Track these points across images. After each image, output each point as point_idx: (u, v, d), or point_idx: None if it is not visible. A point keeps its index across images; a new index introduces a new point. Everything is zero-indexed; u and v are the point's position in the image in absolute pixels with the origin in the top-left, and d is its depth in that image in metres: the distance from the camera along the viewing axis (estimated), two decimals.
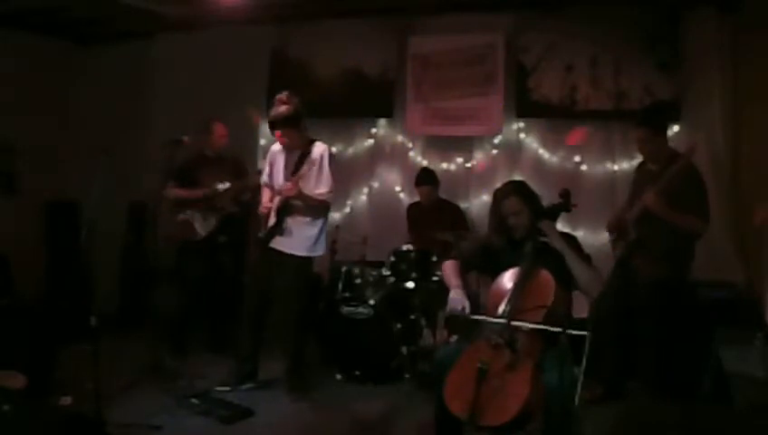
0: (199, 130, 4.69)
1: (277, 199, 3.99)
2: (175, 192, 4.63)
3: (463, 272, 3.10)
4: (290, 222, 3.96)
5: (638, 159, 4.73)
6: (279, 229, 3.96)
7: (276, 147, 4.12)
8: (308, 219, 3.96)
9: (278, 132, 3.94)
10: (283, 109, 3.90)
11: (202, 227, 4.63)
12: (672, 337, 3.71)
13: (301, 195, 3.85)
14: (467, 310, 2.88)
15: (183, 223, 4.65)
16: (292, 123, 3.91)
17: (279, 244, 3.98)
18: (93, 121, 6.09)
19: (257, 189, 4.40)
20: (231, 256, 4.88)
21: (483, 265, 3.14)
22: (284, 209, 3.95)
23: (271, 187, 4.12)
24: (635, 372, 3.89)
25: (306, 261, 4.01)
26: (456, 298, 2.93)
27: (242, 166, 4.86)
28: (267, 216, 4.02)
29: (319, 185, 3.92)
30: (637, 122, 3.88)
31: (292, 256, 3.95)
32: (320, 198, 3.92)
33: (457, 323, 3.02)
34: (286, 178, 3.97)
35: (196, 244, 4.64)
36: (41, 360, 3.72)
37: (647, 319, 3.72)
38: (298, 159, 3.97)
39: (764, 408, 3.43)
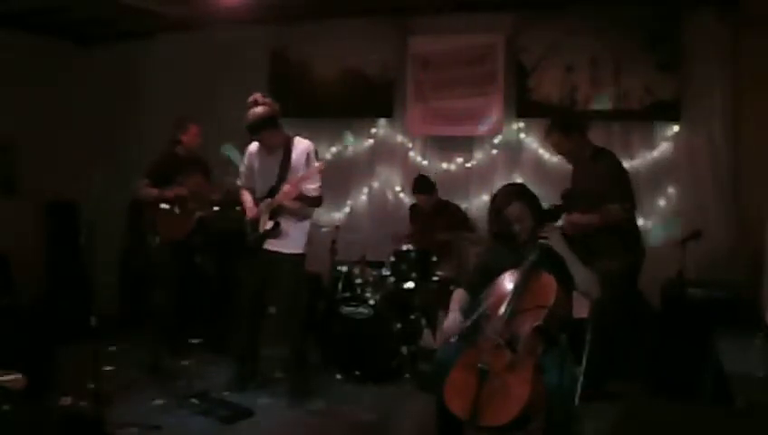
0: (176, 130, 4.67)
1: (268, 202, 3.93)
2: (147, 191, 4.57)
3: (469, 299, 3.09)
4: (283, 222, 3.93)
5: (639, 159, 4.78)
6: (276, 232, 3.90)
7: (254, 147, 4.05)
8: (299, 217, 3.95)
9: (255, 138, 3.90)
10: (259, 110, 3.83)
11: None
12: (673, 337, 3.71)
13: (300, 196, 3.85)
14: (463, 328, 2.86)
15: (161, 222, 4.61)
16: (271, 124, 3.87)
17: (273, 245, 3.94)
18: (93, 121, 6.09)
19: (231, 192, 4.38)
20: (208, 258, 4.87)
21: (487, 278, 3.10)
22: (278, 212, 3.91)
23: (251, 189, 4.07)
24: (618, 372, 3.91)
25: (302, 259, 4.00)
26: (446, 326, 2.93)
27: (208, 166, 4.82)
28: (256, 219, 3.97)
29: (308, 181, 3.88)
30: (545, 132, 4.04)
31: (289, 254, 3.93)
32: (313, 194, 3.90)
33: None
34: (273, 180, 3.92)
35: (172, 245, 4.60)
36: (41, 360, 3.71)
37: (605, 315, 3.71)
38: (282, 159, 3.92)
39: (764, 407, 3.43)
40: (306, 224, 4.01)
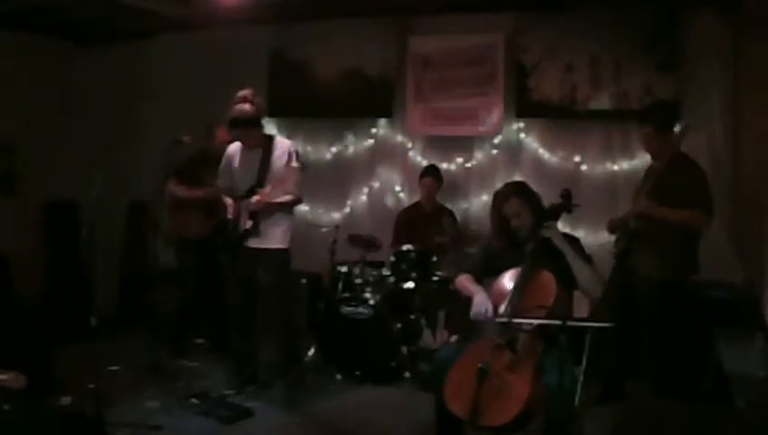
0: (202, 133, 4.70)
1: (246, 204, 3.91)
2: (176, 190, 4.61)
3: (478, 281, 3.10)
4: (269, 219, 3.90)
5: (639, 159, 4.77)
6: (255, 232, 3.90)
7: (234, 147, 4.03)
8: (283, 213, 3.93)
9: (236, 133, 3.88)
10: (246, 108, 3.81)
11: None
12: (673, 337, 3.71)
13: (270, 206, 3.83)
14: (490, 313, 2.86)
15: (180, 220, 4.63)
16: (254, 124, 3.86)
17: (254, 242, 3.92)
18: (93, 122, 6.09)
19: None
20: (228, 258, 4.87)
21: (488, 272, 3.13)
22: (258, 213, 3.89)
23: (230, 189, 4.04)
24: (634, 371, 3.90)
25: (287, 253, 3.98)
26: (481, 302, 2.91)
27: None
28: (236, 219, 3.95)
29: (286, 183, 3.85)
30: (640, 120, 3.95)
31: (271, 250, 3.90)
32: (294, 198, 3.88)
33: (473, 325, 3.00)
34: (253, 180, 3.89)
35: (191, 243, 4.63)
36: (41, 360, 3.72)
37: (647, 318, 3.73)
38: (263, 159, 3.90)
39: (764, 407, 3.43)
40: (289, 219, 3.98)
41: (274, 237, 3.92)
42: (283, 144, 3.96)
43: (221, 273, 4.75)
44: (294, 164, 3.87)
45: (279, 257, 3.94)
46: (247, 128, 3.85)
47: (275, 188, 3.79)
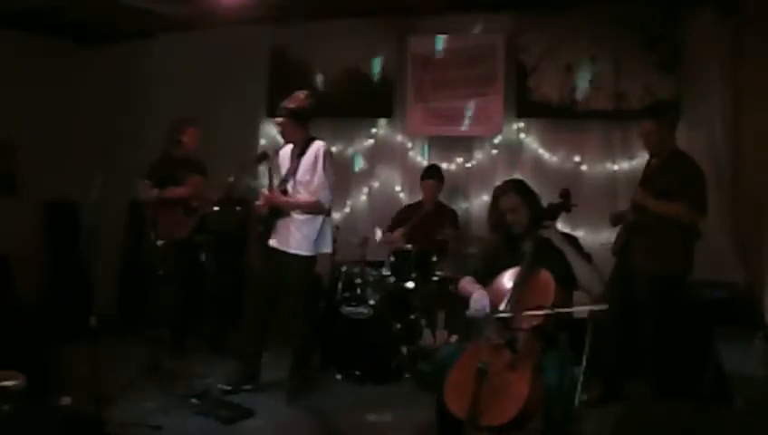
0: (174, 131, 4.70)
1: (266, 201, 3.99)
2: (149, 191, 4.60)
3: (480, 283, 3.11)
4: (289, 221, 3.93)
5: (639, 159, 4.78)
6: (270, 230, 3.95)
7: (285, 149, 4.12)
8: (307, 217, 3.93)
9: (281, 121, 4.01)
10: (291, 104, 3.95)
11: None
12: (673, 337, 3.71)
13: (276, 203, 3.90)
14: (487, 309, 2.85)
15: (159, 221, 4.64)
16: (292, 116, 3.93)
17: (282, 244, 3.95)
18: (93, 121, 6.09)
19: (229, 192, 4.52)
20: (213, 256, 4.88)
21: (490, 273, 3.13)
22: (275, 210, 3.93)
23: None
24: (634, 371, 3.90)
25: (309, 260, 3.97)
26: (478, 298, 2.89)
27: (205, 167, 4.85)
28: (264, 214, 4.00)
29: (311, 185, 3.89)
30: (641, 116, 3.98)
31: (295, 255, 3.91)
32: (308, 200, 3.89)
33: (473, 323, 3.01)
34: (284, 179, 3.99)
35: (175, 243, 4.62)
36: (41, 360, 3.71)
37: (647, 318, 3.73)
38: (297, 157, 3.98)
39: (764, 408, 3.43)
40: (316, 224, 3.95)
41: (295, 242, 3.91)
42: (315, 145, 3.97)
43: (205, 271, 4.79)
44: (320, 167, 3.88)
45: (298, 264, 3.92)
46: (285, 118, 3.95)
47: (301, 190, 3.86)
